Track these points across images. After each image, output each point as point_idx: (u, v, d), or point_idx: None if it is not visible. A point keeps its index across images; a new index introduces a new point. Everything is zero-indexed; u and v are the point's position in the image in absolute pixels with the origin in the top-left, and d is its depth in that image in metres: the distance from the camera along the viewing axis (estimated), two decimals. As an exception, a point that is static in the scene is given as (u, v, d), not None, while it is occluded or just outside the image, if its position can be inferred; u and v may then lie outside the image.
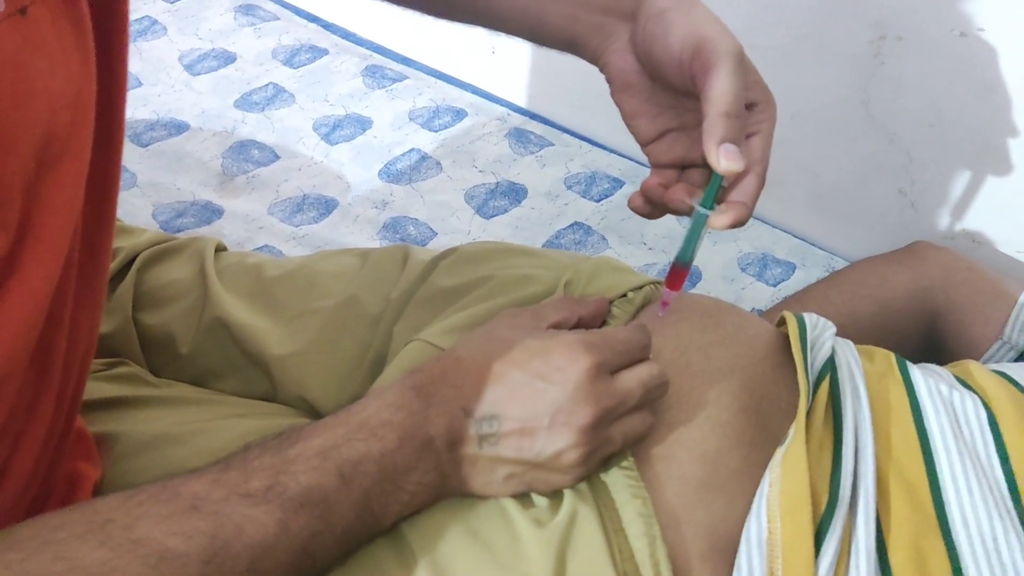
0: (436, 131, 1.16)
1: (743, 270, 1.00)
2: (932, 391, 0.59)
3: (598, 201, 1.07)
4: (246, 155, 1.11)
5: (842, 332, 0.65)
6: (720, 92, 0.48)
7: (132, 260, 0.73)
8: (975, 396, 0.59)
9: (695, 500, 0.51)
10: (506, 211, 1.06)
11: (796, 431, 0.52)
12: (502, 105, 1.21)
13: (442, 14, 0.61)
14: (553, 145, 1.15)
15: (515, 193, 1.08)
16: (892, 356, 0.63)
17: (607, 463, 0.51)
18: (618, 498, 0.50)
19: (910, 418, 0.57)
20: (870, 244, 0.94)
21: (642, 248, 1.02)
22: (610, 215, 1.05)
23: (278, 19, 1.33)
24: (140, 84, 1.20)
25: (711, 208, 0.51)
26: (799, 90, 0.93)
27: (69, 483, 0.53)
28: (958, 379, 0.61)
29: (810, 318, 0.61)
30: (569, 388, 0.47)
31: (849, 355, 0.60)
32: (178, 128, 1.14)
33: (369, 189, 1.08)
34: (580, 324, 0.56)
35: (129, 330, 0.69)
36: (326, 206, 1.05)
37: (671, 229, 1.04)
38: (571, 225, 1.04)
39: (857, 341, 0.64)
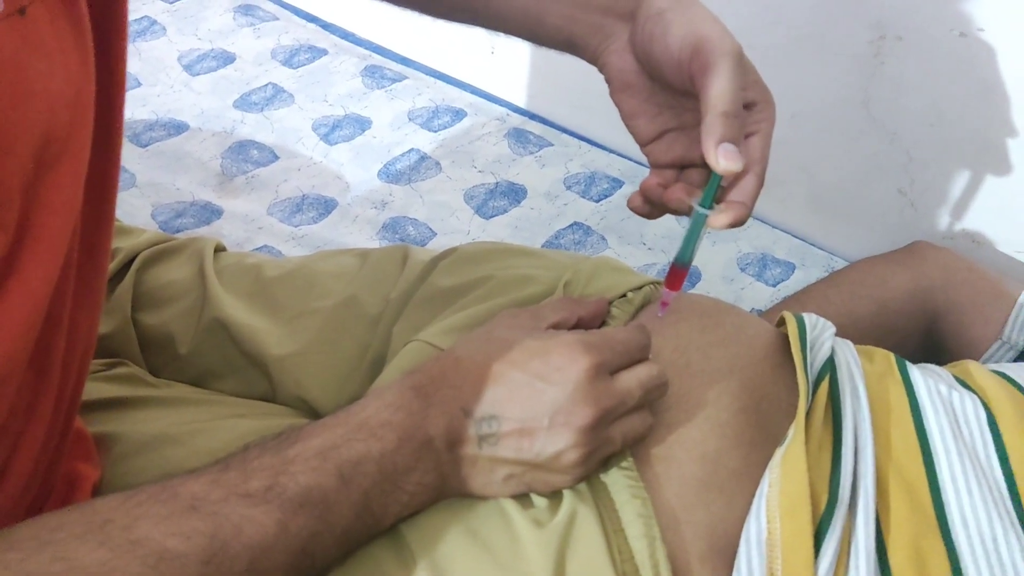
0: (435, 131, 1.16)
1: (742, 270, 1.00)
2: (932, 391, 0.59)
3: (597, 201, 1.07)
4: (245, 155, 1.11)
5: (842, 332, 0.65)
6: (719, 92, 0.48)
7: (131, 260, 0.73)
8: (975, 396, 0.59)
9: (695, 500, 0.51)
10: (505, 211, 1.06)
11: (795, 431, 0.52)
12: (501, 105, 1.21)
13: (441, 14, 0.61)
14: (552, 145, 1.15)
15: (514, 193, 1.08)
16: (892, 356, 0.63)
17: (606, 464, 0.51)
18: (618, 499, 0.50)
19: (910, 418, 0.57)
20: (870, 244, 0.94)
21: (641, 248, 1.02)
22: (609, 215, 1.05)
23: (277, 19, 1.33)
24: (139, 84, 1.20)
25: (710, 208, 0.51)
26: (799, 90, 0.93)
27: (68, 483, 0.53)
28: (958, 379, 0.61)
29: (809, 318, 0.61)
30: (568, 388, 0.47)
31: (849, 355, 0.60)
32: (177, 128, 1.14)
33: (368, 189, 1.08)
34: (579, 324, 0.56)
35: (128, 330, 0.69)
36: (325, 206, 1.05)
37: (670, 229, 1.04)
38: (570, 225, 1.04)
39: (857, 341, 0.64)
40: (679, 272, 0.54)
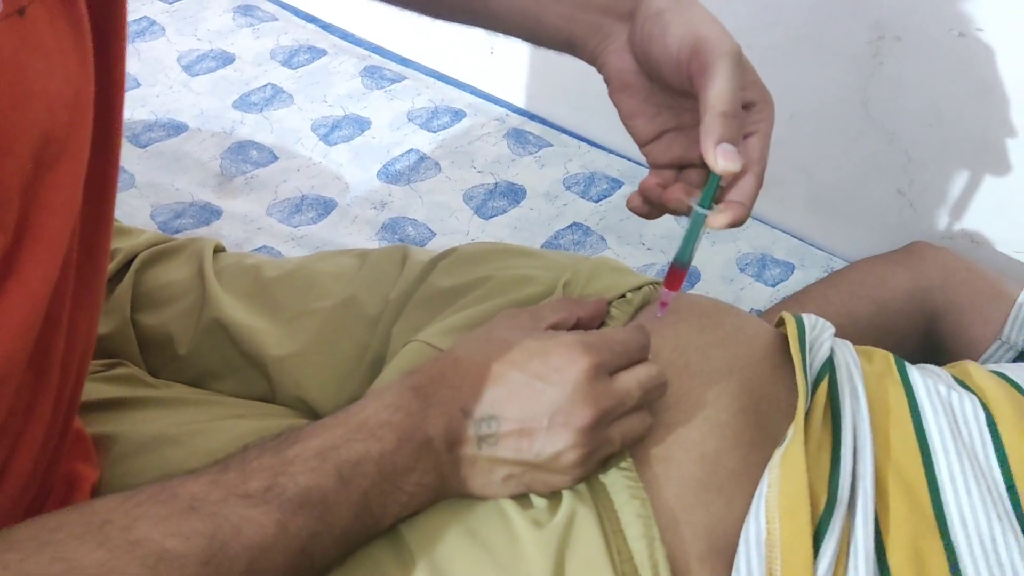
0: (435, 131, 1.16)
1: (742, 270, 1.00)
2: (931, 392, 0.59)
3: (597, 201, 1.07)
4: (245, 156, 1.11)
5: (841, 332, 0.65)
6: (717, 92, 0.48)
7: (130, 261, 0.73)
8: (974, 397, 0.59)
9: (694, 501, 0.51)
10: (505, 212, 1.06)
11: (795, 432, 0.52)
12: (501, 106, 1.21)
13: (440, 15, 0.61)
14: (552, 146, 1.15)
15: (514, 194, 1.08)
16: (891, 357, 0.63)
17: (606, 464, 0.51)
18: (617, 499, 0.50)
19: (909, 419, 0.57)
20: (869, 244, 0.94)
21: (641, 248, 1.02)
22: (609, 215, 1.05)
23: (276, 20, 1.33)
24: (138, 85, 1.20)
25: (709, 208, 0.51)
26: (798, 90, 0.93)
27: (67, 484, 0.53)
28: (957, 380, 0.61)
29: (809, 319, 0.61)
30: (568, 389, 0.47)
31: (848, 356, 0.60)
32: (176, 129, 1.14)
33: (368, 190, 1.08)
34: (579, 325, 0.56)
35: (127, 331, 0.69)
36: (325, 207, 1.05)
37: (669, 229, 1.04)
38: (570, 225, 1.04)
39: (856, 341, 0.64)
40: (678, 272, 0.54)
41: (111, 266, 0.71)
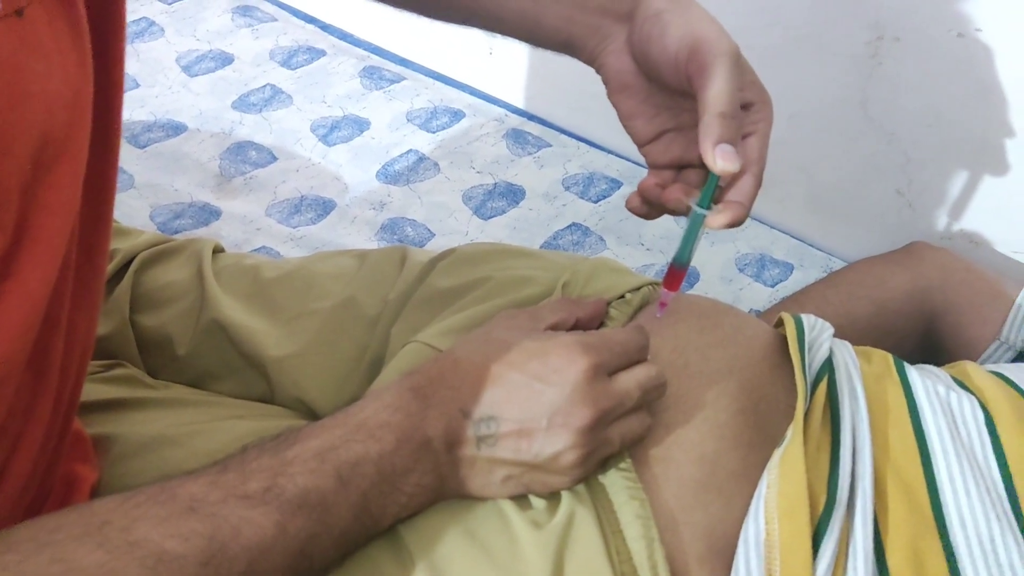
0: (434, 132, 1.16)
1: (741, 271, 1.00)
2: (930, 392, 0.59)
3: (596, 202, 1.07)
4: (244, 156, 1.11)
5: (840, 333, 0.65)
6: (716, 92, 0.48)
7: (129, 262, 0.73)
8: (972, 397, 0.59)
9: (693, 502, 0.51)
10: (504, 212, 1.06)
11: (794, 432, 0.52)
12: (500, 106, 1.21)
13: (439, 16, 0.61)
14: (551, 146, 1.15)
15: (513, 194, 1.08)
16: (890, 357, 0.63)
17: (605, 465, 0.51)
18: (616, 500, 0.50)
19: (908, 419, 0.57)
20: (868, 244, 0.94)
21: (640, 249, 1.02)
22: (608, 216, 1.05)
23: (276, 20, 1.33)
24: (137, 85, 1.20)
25: (708, 208, 0.51)
26: (797, 90, 0.93)
27: (66, 485, 0.53)
28: (956, 380, 0.61)
29: (808, 319, 0.61)
30: (567, 389, 0.47)
31: (847, 356, 0.60)
32: (175, 129, 1.14)
33: (367, 190, 1.08)
34: (578, 325, 0.56)
35: (126, 332, 0.69)
36: (324, 207, 1.05)
37: (669, 230, 1.04)
38: (569, 226, 1.04)
39: (855, 342, 0.64)
40: (677, 273, 0.54)
41: (110, 267, 0.71)
